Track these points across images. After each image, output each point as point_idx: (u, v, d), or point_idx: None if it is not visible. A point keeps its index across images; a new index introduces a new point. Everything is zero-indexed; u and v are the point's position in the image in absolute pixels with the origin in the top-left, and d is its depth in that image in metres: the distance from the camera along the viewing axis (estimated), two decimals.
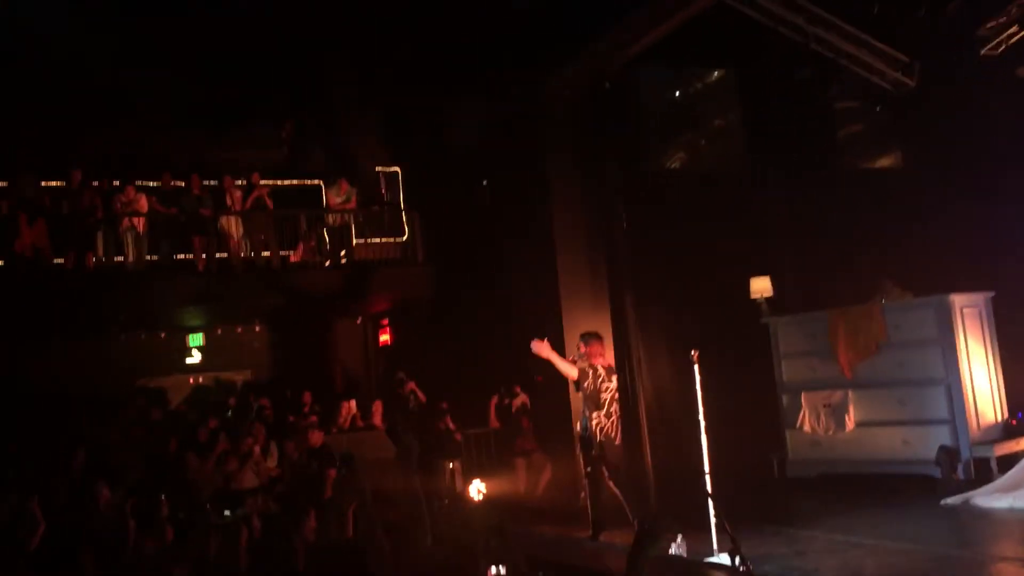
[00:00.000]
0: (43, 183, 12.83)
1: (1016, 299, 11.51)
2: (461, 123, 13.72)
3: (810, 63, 13.07)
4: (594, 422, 8.92)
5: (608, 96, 11.45)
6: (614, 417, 9.04)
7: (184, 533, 8.12)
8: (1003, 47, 12.19)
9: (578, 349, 9.26)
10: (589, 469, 9.12)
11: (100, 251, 12.74)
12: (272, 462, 10.90)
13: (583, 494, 10.80)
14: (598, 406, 8.86)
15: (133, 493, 8.61)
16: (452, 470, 11.42)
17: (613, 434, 9.07)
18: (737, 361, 11.61)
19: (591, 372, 9.02)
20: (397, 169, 15.31)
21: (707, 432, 7.56)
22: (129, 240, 12.88)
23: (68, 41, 12.06)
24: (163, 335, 15.33)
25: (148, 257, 13.02)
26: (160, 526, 7.96)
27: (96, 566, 7.39)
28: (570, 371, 9.17)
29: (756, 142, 14.10)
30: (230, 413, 12.83)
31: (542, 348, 9.11)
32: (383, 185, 15.26)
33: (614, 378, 9.09)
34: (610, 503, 9.13)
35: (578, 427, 9.10)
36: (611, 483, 9.07)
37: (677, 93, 14.79)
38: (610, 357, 9.38)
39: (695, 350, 7.62)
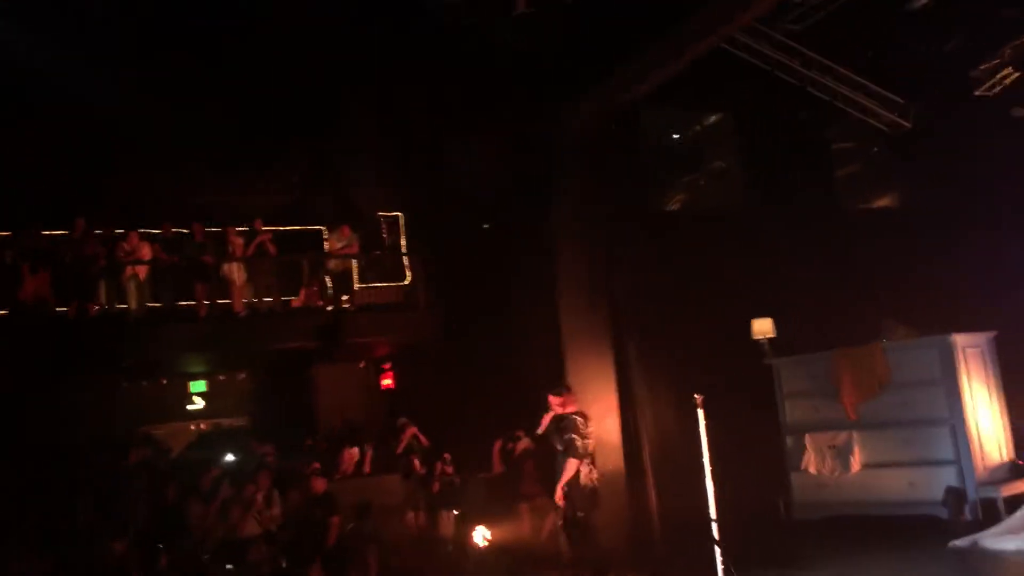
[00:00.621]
0: (46, 232, 12.89)
1: (1019, 338, 11.53)
2: (464, 167, 13.83)
3: (807, 106, 13.23)
4: (584, 472, 8.71)
5: (610, 138, 11.57)
6: (595, 465, 8.90)
7: None
8: (998, 88, 12.35)
9: (554, 403, 9.03)
10: (578, 515, 8.85)
11: (103, 299, 12.76)
12: (276, 510, 10.82)
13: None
14: (582, 456, 8.67)
15: (135, 543, 8.54)
16: (453, 518, 11.35)
17: (598, 484, 8.92)
18: (741, 403, 11.57)
19: (572, 424, 8.82)
20: (399, 214, 15.39)
21: (713, 476, 7.52)
22: (131, 288, 12.89)
23: (71, 90, 12.19)
24: (165, 382, 15.29)
25: (150, 304, 13.03)
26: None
27: None
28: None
29: (755, 183, 14.23)
30: (232, 459, 12.76)
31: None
32: (385, 230, 15.32)
33: (591, 424, 8.96)
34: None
35: (561, 490, 8.78)
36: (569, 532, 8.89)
37: (677, 135, 14.93)
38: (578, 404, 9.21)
39: (699, 394, 7.59)
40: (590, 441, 8.81)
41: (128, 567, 7.81)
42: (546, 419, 8.86)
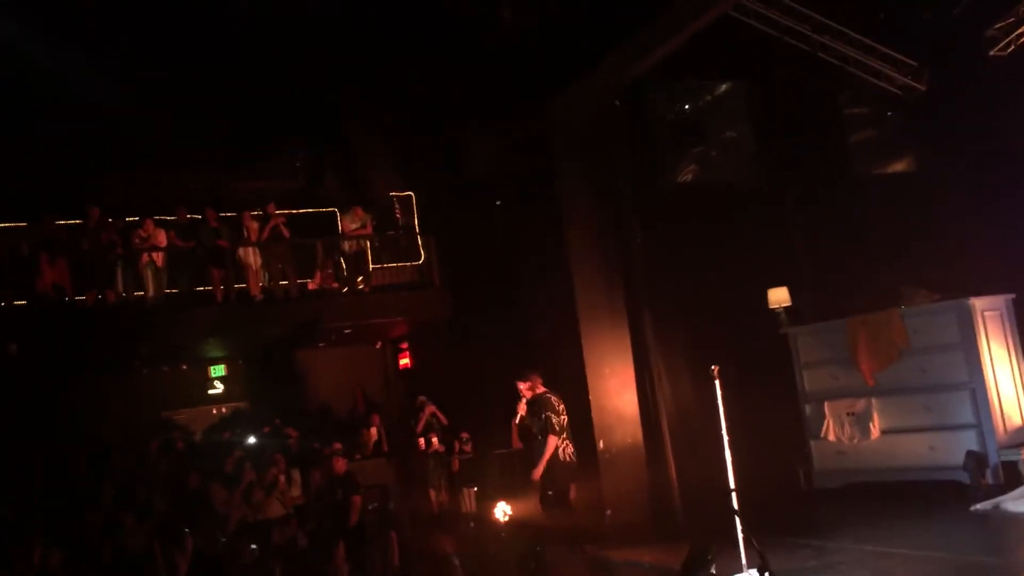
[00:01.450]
0: (62, 222, 12.98)
1: None
2: (473, 146, 13.79)
3: (819, 71, 13.10)
4: (561, 448, 8.83)
5: (618, 113, 11.51)
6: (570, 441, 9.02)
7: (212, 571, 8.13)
8: (1012, 47, 12.18)
9: (522, 389, 9.16)
10: (548, 493, 8.98)
11: (120, 287, 12.85)
12: (296, 491, 10.93)
13: (608, 512, 10.79)
14: (558, 432, 8.80)
15: (160, 528, 8.65)
16: (473, 494, 11.43)
17: (575, 457, 9.05)
18: (758, 372, 11.59)
19: (545, 403, 8.93)
20: (411, 194, 15.39)
21: (731, 447, 7.52)
22: (149, 275, 12.97)
23: (84, 80, 12.22)
24: (185, 367, 15.42)
25: (167, 291, 13.12)
26: (187, 563, 7.97)
27: None
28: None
29: (768, 153, 14.11)
30: (253, 442, 12.88)
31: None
32: (398, 210, 15.33)
33: (562, 403, 9.08)
34: None
35: (539, 472, 8.91)
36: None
37: (687, 107, 14.81)
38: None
39: (715, 365, 7.58)
40: (564, 418, 8.94)
41: (153, 553, 7.89)
42: (521, 406, 9.02)
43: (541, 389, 9.04)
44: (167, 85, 12.62)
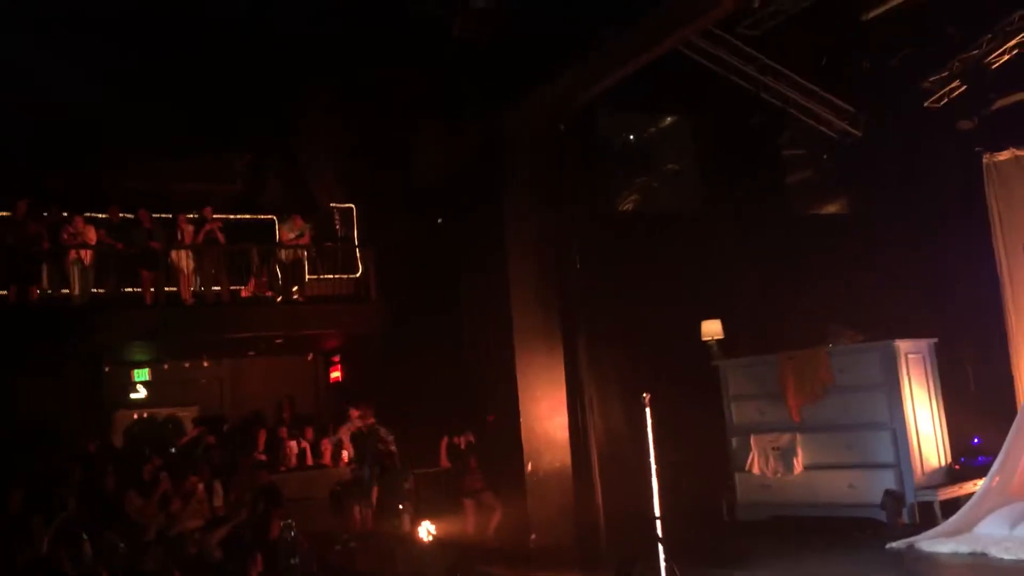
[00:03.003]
0: None
1: (959, 345, 11.80)
2: (418, 160, 13.76)
3: (761, 111, 13.38)
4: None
5: (564, 137, 11.60)
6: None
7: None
8: (945, 100, 12.59)
9: (353, 416, 9.43)
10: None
11: (45, 283, 12.46)
12: (218, 501, 10.67)
13: (533, 535, 10.77)
14: (394, 464, 9.06)
15: (66, 532, 8.35)
16: (399, 512, 11.29)
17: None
18: (689, 403, 11.69)
19: (373, 434, 9.19)
20: (352, 206, 15.26)
21: (658, 475, 7.57)
22: (75, 273, 12.61)
23: (18, 68, 11.88)
24: (108, 370, 14.99)
25: (94, 290, 12.75)
26: (92, 567, 7.71)
27: None
28: None
29: (708, 186, 14.35)
30: (174, 451, 12.56)
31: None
32: (338, 221, 15.18)
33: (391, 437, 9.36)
34: None
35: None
36: None
37: (632, 136, 15.00)
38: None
39: (647, 393, 7.64)
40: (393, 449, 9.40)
41: (56, 558, 7.61)
42: (344, 432, 9.34)
43: (371, 420, 9.22)
44: (106, 79, 12.33)
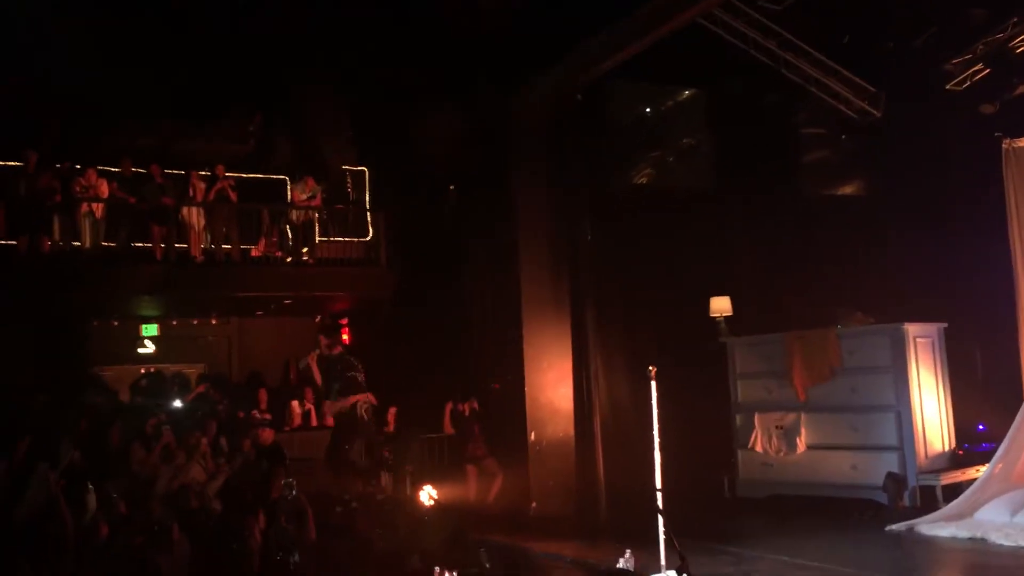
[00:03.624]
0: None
1: (968, 331, 11.73)
2: (432, 128, 13.66)
3: (780, 88, 13.25)
4: (362, 405, 9.15)
5: (579, 109, 11.50)
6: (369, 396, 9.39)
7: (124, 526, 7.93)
8: (967, 83, 12.44)
9: (323, 343, 9.54)
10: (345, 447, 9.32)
11: (56, 235, 12.48)
12: (222, 458, 10.72)
13: (534, 504, 10.81)
14: (361, 389, 9.10)
15: (70, 480, 8.41)
16: (401, 475, 11.35)
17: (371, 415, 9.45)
18: (693, 378, 11.70)
19: (347, 362, 9.26)
20: (364, 169, 15.20)
21: (661, 448, 7.57)
22: (86, 225, 12.62)
23: (36, 23, 11.82)
24: (116, 324, 15.05)
25: (104, 244, 12.77)
26: (93, 518, 7.76)
27: (30, 561, 7.19)
28: None
29: (723, 162, 14.24)
30: (180, 405, 12.62)
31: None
32: (350, 184, 15.14)
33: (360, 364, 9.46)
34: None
35: (331, 418, 9.37)
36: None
37: (647, 110, 14.87)
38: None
39: (653, 366, 7.62)
40: (363, 377, 9.48)
41: (59, 506, 7.67)
42: (312, 359, 9.31)
43: (339, 350, 9.32)
44: (124, 34, 12.27)
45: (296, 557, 7.65)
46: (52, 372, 12.75)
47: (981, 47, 12.07)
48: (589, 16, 10.47)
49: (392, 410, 12.22)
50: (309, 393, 13.01)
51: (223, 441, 10.79)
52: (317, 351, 9.46)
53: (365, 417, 9.25)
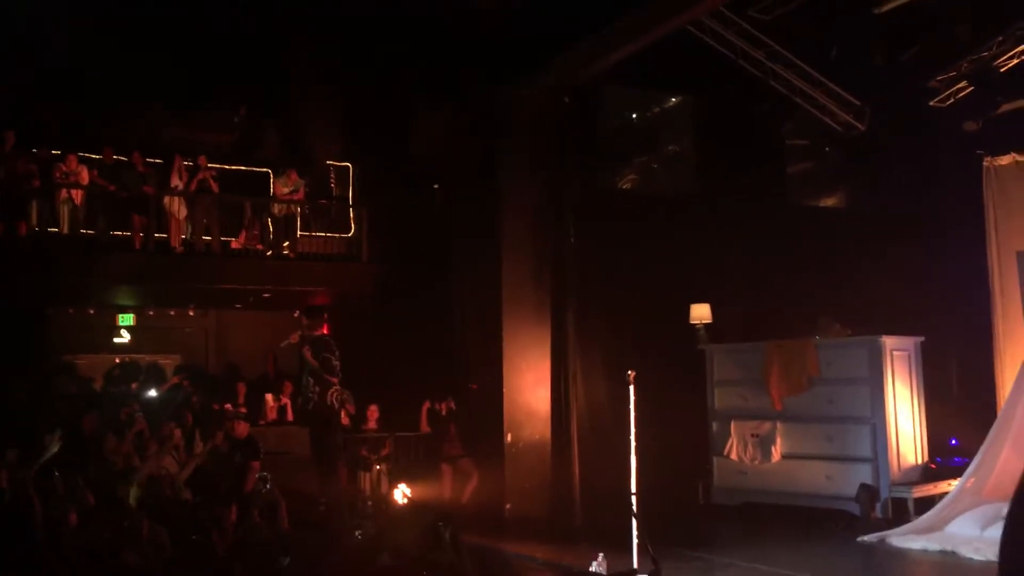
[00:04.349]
0: None
1: (944, 346, 11.83)
2: (419, 124, 13.64)
3: (766, 98, 13.31)
4: (332, 393, 9.17)
5: (568, 111, 11.51)
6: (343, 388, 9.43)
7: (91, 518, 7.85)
8: (952, 100, 12.54)
9: (304, 324, 9.58)
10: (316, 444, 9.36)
11: (34, 221, 12.34)
12: (196, 449, 10.65)
13: (508, 505, 10.79)
14: (333, 373, 9.14)
15: (44, 469, 8.33)
16: (375, 474, 11.31)
17: (349, 404, 9.44)
18: (672, 384, 11.72)
19: (327, 344, 9.31)
20: (349, 164, 15.15)
21: (637, 453, 7.57)
22: (65, 212, 12.49)
23: (21, 8, 11.70)
24: (92, 312, 14.91)
25: (83, 231, 12.64)
26: (62, 508, 7.68)
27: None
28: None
29: (708, 170, 14.29)
30: (155, 395, 12.53)
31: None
32: (333, 179, 15.08)
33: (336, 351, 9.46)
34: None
35: (300, 402, 9.39)
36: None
37: (635, 115, 14.92)
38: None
39: (632, 370, 7.62)
40: (338, 363, 9.42)
41: (29, 495, 7.60)
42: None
43: (319, 331, 9.38)
44: (110, 20, 12.17)
45: (287, 561, 7.59)
46: (25, 359, 12.61)
47: (965, 65, 12.17)
48: (579, 19, 10.47)
49: (373, 407, 12.18)
50: (287, 387, 12.95)
51: (196, 433, 10.72)
52: (299, 332, 9.45)
53: (335, 406, 9.21)
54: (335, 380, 9.12)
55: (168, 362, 15.04)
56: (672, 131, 14.93)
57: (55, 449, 8.52)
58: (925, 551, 8.82)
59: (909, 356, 10.91)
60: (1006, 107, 11.82)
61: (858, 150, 13.93)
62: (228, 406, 10.77)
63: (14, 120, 12.55)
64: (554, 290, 11.33)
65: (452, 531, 7.24)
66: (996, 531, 8.62)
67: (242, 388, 12.71)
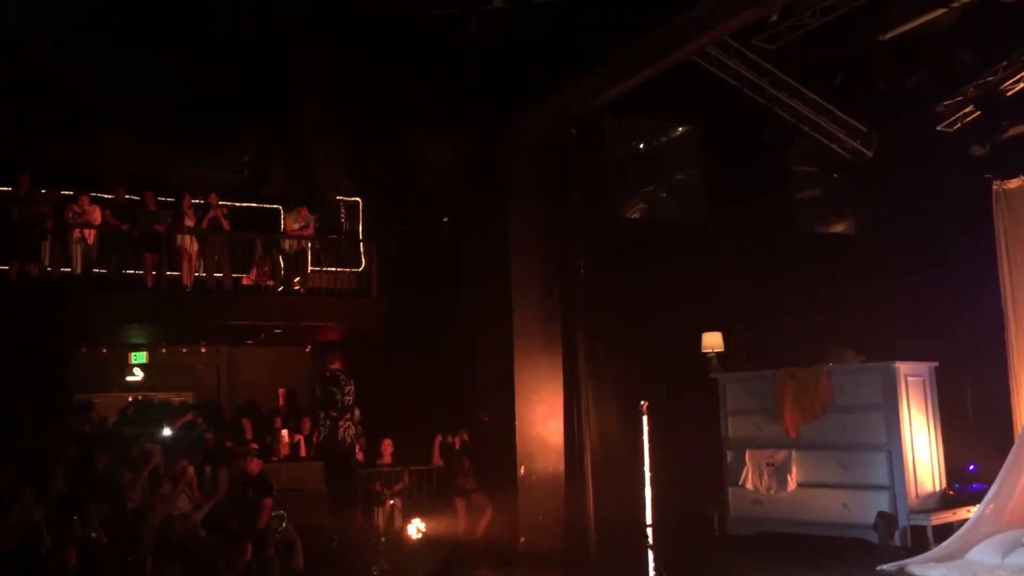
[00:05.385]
0: None
1: (959, 371, 11.75)
2: (427, 159, 13.73)
3: (772, 126, 13.36)
4: (342, 428, 9.11)
5: (574, 142, 11.58)
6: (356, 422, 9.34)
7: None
8: (958, 125, 12.56)
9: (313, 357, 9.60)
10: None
11: (46, 261, 12.43)
12: (208, 487, 10.63)
13: (522, 539, 10.72)
14: (345, 410, 9.08)
15: (57, 506, 8.32)
16: (389, 508, 11.24)
17: (360, 440, 9.37)
18: (684, 414, 11.66)
19: (335, 377, 9.27)
20: (358, 199, 15.23)
21: (651, 483, 7.53)
22: (78, 252, 12.58)
23: (31, 44, 11.86)
24: (105, 351, 14.96)
25: (96, 270, 12.72)
26: (71, 545, 7.68)
27: None
28: None
29: (715, 198, 14.31)
30: (168, 433, 12.53)
31: None
32: (343, 214, 15.15)
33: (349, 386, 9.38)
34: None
35: (316, 437, 9.27)
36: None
37: (641, 145, 14.98)
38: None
39: (644, 401, 7.60)
40: (349, 399, 9.30)
41: (44, 533, 7.59)
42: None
43: (337, 365, 9.35)
44: (119, 59, 12.30)
45: None
46: (39, 398, 12.64)
47: (972, 89, 12.19)
48: (585, 51, 10.58)
49: (387, 442, 12.14)
50: (305, 422, 12.92)
51: (207, 470, 10.72)
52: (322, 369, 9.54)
53: (347, 441, 9.16)
54: (334, 414, 9.08)
55: (181, 400, 15.06)
56: (679, 160, 14.98)
57: (56, 487, 8.53)
58: None
59: (924, 381, 10.83)
60: (1013, 131, 11.84)
61: (866, 176, 13.93)
62: (254, 446, 10.78)
63: (27, 162, 12.69)
64: (564, 321, 11.36)
65: (459, 566, 7.21)
66: (1018, 558, 8.57)
67: (247, 424, 12.70)
